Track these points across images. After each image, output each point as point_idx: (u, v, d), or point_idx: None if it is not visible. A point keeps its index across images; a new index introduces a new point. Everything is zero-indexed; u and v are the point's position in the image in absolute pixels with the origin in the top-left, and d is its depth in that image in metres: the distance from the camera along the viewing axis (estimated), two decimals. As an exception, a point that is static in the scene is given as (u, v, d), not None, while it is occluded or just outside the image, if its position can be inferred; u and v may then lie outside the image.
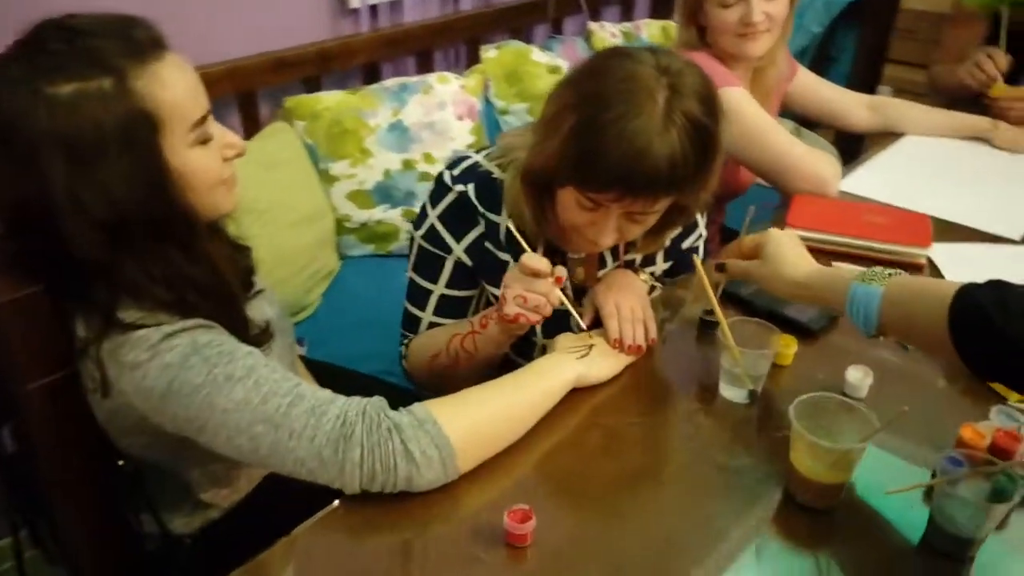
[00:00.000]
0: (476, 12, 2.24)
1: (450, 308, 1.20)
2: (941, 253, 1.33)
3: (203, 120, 0.89)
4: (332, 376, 1.32)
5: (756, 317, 1.16)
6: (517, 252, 1.08)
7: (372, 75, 2.07)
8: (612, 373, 1.06)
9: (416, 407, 0.89)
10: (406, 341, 1.25)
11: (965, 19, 2.03)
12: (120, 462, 0.98)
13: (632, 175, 0.91)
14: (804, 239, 1.34)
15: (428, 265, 1.18)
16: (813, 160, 1.48)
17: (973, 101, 1.91)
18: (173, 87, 0.85)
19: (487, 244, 1.14)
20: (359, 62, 2.01)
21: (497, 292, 1.13)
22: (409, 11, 2.11)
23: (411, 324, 1.23)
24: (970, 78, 1.87)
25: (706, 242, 1.32)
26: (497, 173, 1.12)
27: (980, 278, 1.27)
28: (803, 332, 1.15)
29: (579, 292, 1.20)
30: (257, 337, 0.99)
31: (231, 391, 0.84)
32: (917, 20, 2.79)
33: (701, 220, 1.27)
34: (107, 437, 0.96)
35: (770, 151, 1.47)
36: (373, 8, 2.03)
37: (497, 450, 0.93)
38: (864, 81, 2.55)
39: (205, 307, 0.90)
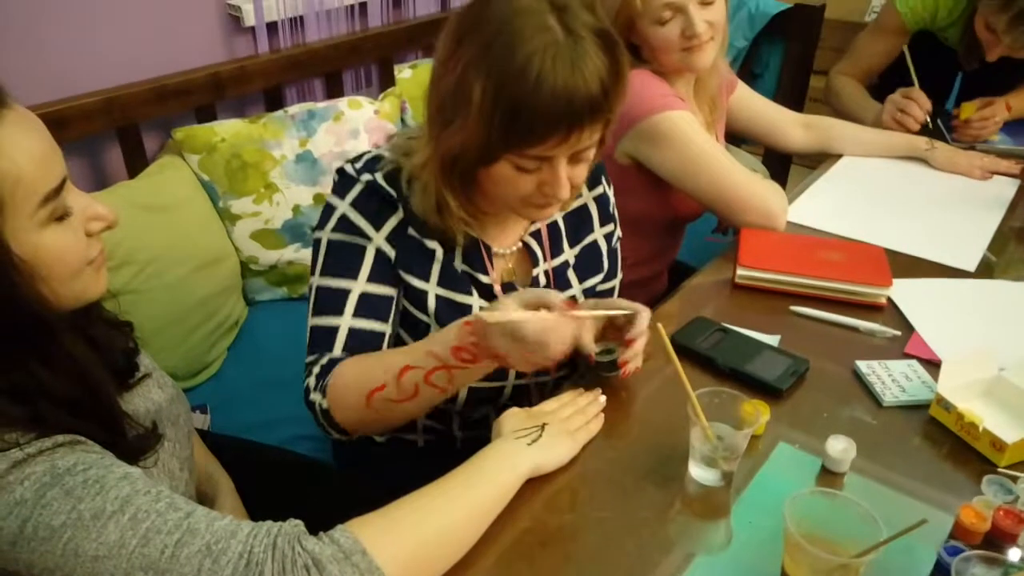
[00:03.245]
0: (386, 29, 2.06)
1: (373, 309, 1.01)
2: (900, 291, 1.26)
3: (57, 191, 0.72)
4: (236, 451, 1.18)
5: (716, 373, 1.07)
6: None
7: (274, 101, 1.87)
8: (569, 456, 0.93)
9: (339, 533, 0.73)
10: (317, 369, 0.98)
11: (886, 32, 1.99)
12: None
13: (572, 107, 0.85)
14: (758, 280, 1.27)
15: (343, 260, 1.00)
16: (762, 193, 1.38)
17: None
18: (14, 154, 0.68)
19: (410, 231, 1.01)
20: (258, 87, 1.81)
21: (423, 286, 1.02)
22: (312, 29, 1.91)
23: (324, 339, 0.99)
24: (894, 123, 1.81)
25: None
26: (396, 162, 1.01)
27: (942, 316, 1.23)
28: (769, 392, 1.04)
29: (508, 289, 1.07)
30: (140, 442, 0.82)
31: (101, 532, 0.67)
32: (839, 31, 2.78)
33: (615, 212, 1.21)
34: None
35: (718, 182, 1.37)
36: (271, 26, 1.83)
37: (444, 571, 0.78)
38: (792, 97, 2.49)
39: (68, 420, 0.73)
